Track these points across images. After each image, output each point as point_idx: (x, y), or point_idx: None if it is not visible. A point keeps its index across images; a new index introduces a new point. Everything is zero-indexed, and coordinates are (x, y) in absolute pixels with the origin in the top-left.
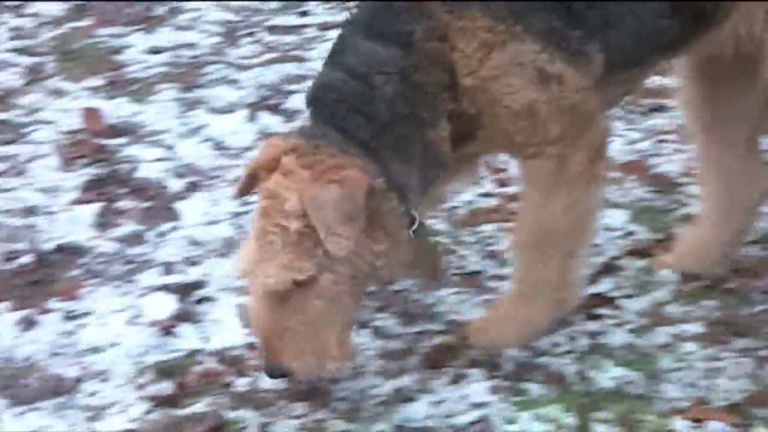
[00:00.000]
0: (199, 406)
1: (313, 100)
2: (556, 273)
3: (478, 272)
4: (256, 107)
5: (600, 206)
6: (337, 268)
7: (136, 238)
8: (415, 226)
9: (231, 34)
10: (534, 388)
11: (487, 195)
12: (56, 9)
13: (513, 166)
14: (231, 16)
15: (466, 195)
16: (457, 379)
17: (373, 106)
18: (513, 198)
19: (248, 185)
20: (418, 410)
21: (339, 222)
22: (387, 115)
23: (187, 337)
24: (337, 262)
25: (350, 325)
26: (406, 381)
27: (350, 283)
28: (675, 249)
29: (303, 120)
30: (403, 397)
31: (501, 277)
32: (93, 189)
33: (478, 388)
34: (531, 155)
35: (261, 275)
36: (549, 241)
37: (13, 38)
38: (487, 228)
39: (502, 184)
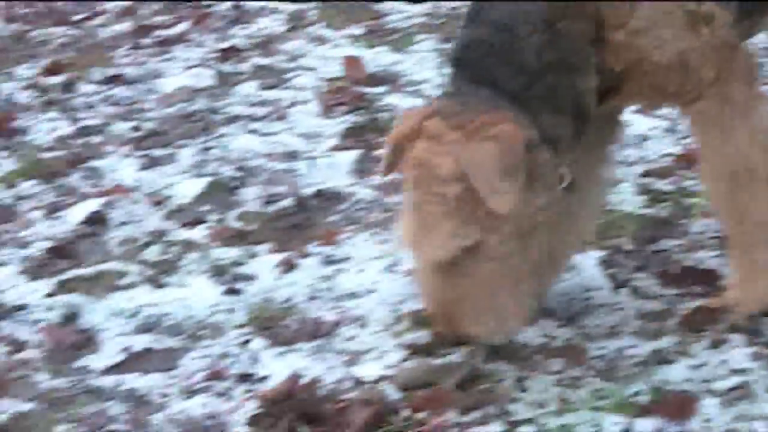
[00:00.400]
0: (455, 357)
1: (457, 61)
2: None
3: None
4: None
5: None
6: (501, 226)
7: (393, 187)
8: (566, 183)
9: None
10: None
11: None
12: None
13: None
14: None
15: None
16: (717, 344)
17: (521, 56)
18: None
19: (394, 159)
20: (676, 373)
21: (499, 179)
22: (536, 63)
23: None
24: (501, 220)
25: (524, 282)
26: (664, 343)
27: (516, 239)
28: None
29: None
30: (661, 358)
31: None
32: (352, 136)
33: (738, 353)
34: (690, 101)
35: (427, 247)
36: (750, 178)
37: None
38: None
39: None
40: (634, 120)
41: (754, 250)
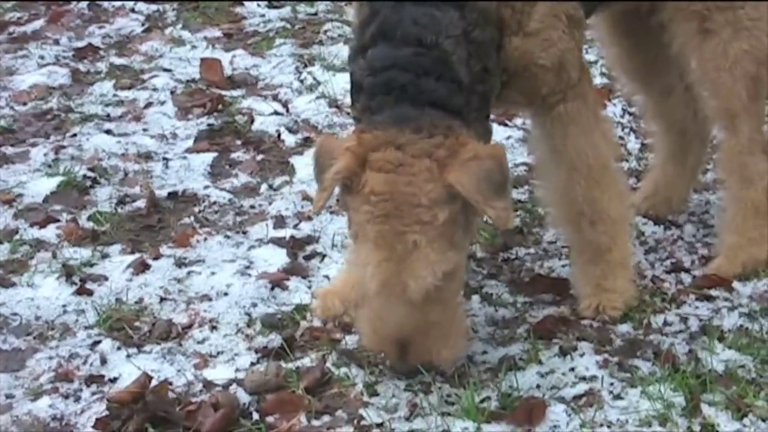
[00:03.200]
0: (306, 361)
1: (383, 86)
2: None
3: None
4: None
5: None
6: (465, 246)
7: (249, 190)
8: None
9: None
10: (643, 366)
11: None
12: None
13: (631, 141)
14: None
15: None
16: (565, 351)
17: (455, 72)
18: (627, 173)
19: (328, 196)
20: (525, 379)
21: (498, 196)
22: (467, 77)
23: (297, 292)
24: (466, 240)
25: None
26: (514, 349)
27: (462, 251)
28: (638, 194)
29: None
30: (511, 365)
31: None
32: (208, 138)
33: (587, 361)
34: (555, 103)
35: (411, 280)
36: (603, 173)
37: None
38: None
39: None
40: None
41: (613, 248)
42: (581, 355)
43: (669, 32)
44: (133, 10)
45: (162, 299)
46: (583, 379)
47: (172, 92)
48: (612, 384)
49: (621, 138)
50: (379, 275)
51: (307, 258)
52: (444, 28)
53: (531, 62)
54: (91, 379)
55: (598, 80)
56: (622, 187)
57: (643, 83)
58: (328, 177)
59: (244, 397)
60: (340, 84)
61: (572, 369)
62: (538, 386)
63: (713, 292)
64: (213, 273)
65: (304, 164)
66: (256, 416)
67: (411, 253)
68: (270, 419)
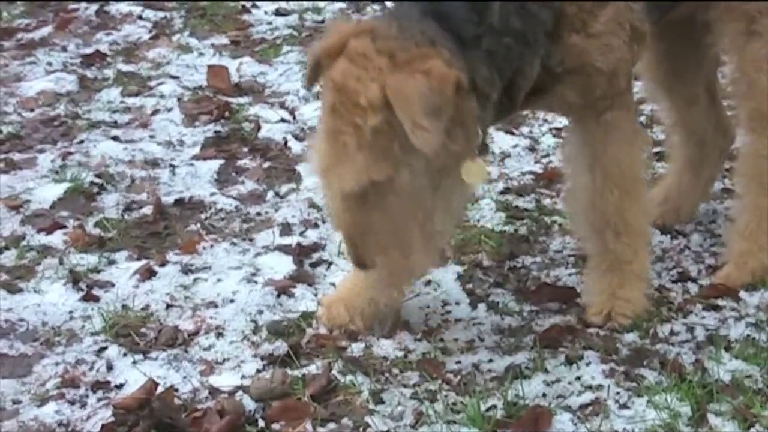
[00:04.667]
0: (312, 368)
1: None
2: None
3: None
4: None
5: None
6: (413, 163)
7: (255, 197)
8: (479, 142)
9: (356, 1)
10: (650, 375)
11: None
12: None
13: None
14: None
15: None
16: (572, 360)
17: (487, 8)
18: None
19: (314, 74)
20: (531, 388)
21: (426, 116)
22: (499, 22)
23: (303, 299)
24: (414, 157)
25: (432, 220)
26: (520, 358)
27: (427, 178)
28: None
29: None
30: (517, 373)
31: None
32: (215, 145)
33: (593, 370)
34: (604, 109)
35: (337, 178)
36: (635, 184)
37: None
38: None
39: None
40: (496, 138)
41: (634, 260)
42: (587, 364)
43: (714, 31)
44: (140, 17)
45: (168, 306)
46: (590, 388)
47: (179, 99)
48: (618, 393)
49: None
50: (319, 166)
51: (314, 265)
52: None
53: (588, 62)
54: (98, 385)
55: None
56: (648, 202)
57: (669, 90)
58: (312, 49)
59: (249, 404)
60: None
61: (578, 378)
62: (544, 395)
63: (720, 302)
64: (219, 280)
65: (310, 171)
66: (261, 423)
67: (341, 154)
68: (275, 426)
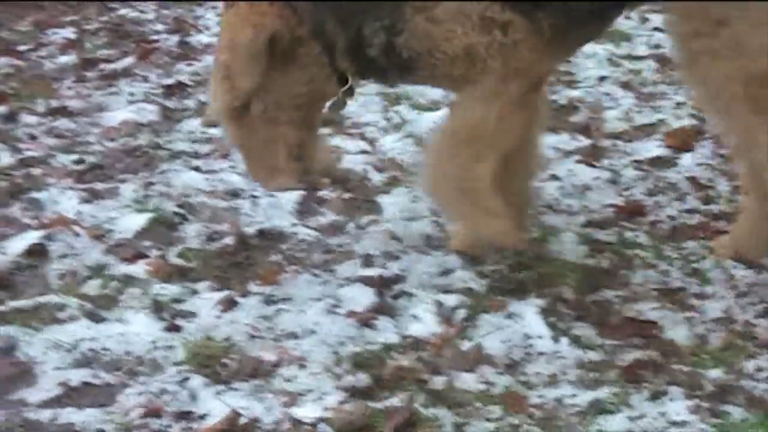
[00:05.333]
0: (394, 401)
1: None
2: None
3: (680, 289)
4: None
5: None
6: (263, 97)
7: (336, 228)
8: (346, 87)
9: None
10: (735, 412)
11: (690, 211)
12: None
13: (720, 184)
14: None
15: (669, 210)
16: (656, 396)
17: None
18: (717, 216)
19: None
20: (615, 423)
21: (244, 61)
22: None
23: (384, 331)
24: (262, 91)
25: (300, 147)
26: (603, 393)
27: (282, 111)
28: (729, 236)
29: None
30: (600, 408)
31: (703, 296)
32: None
33: (677, 406)
34: (472, 81)
35: (210, 101)
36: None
37: None
38: (691, 245)
39: (707, 201)
40: (577, 170)
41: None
42: (671, 400)
43: None
44: None
45: (250, 336)
46: (674, 424)
47: None
48: (703, 430)
49: (710, 180)
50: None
51: (395, 297)
52: None
53: (433, 48)
54: (181, 416)
55: (686, 122)
56: None
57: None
58: None
59: None
60: (426, 123)
61: (663, 414)
62: (628, 431)
63: None
64: (301, 311)
65: (390, 203)
66: None
67: (214, 81)
68: None
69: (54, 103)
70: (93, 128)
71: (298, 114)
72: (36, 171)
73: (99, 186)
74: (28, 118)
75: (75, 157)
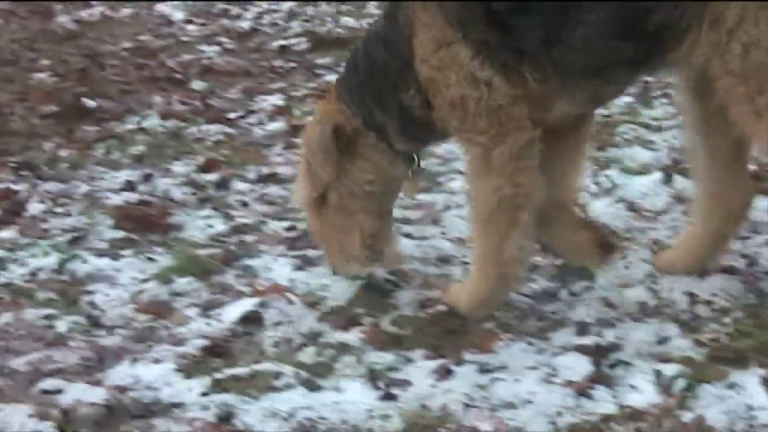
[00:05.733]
0: None
1: None
2: (493, 249)
3: None
4: (670, 170)
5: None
6: (338, 187)
7: (549, 295)
8: (414, 166)
9: (644, 94)
10: None
11: None
12: None
13: None
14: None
15: None
16: None
17: (359, 62)
18: None
19: None
20: None
21: (317, 154)
22: (367, 68)
23: (602, 401)
24: (337, 182)
25: (374, 236)
26: None
27: (356, 200)
28: (672, 249)
29: None
30: None
31: None
32: None
33: None
34: (464, 140)
35: (294, 192)
36: (479, 219)
37: None
38: None
39: None
40: None
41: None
42: None
43: None
44: None
45: (466, 406)
46: None
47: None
48: None
49: None
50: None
51: (611, 366)
52: (373, 34)
53: (437, 92)
54: None
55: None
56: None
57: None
58: None
59: None
60: (637, 187)
61: None
62: None
63: None
64: (516, 380)
65: (605, 270)
66: None
67: (298, 174)
68: None
69: (264, 170)
70: None
71: (372, 203)
72: (249, 238)
73: (311, 253)
74: (239, 185)
75: (286, 224)
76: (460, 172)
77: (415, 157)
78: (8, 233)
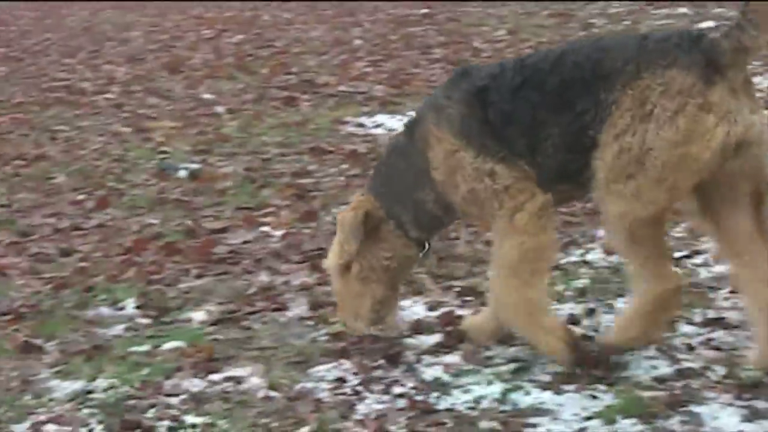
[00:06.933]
0: None
1: None
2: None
3: None
4: None
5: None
6: (360, 260)
7: None
8: (425, 251)
9: None
10: None
11: None
12: None
13: None
14: None
15: None
16: None
17: (383, 168)
18: None
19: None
20: None
21: (347, 235)
22: (386, 171)
23: None
24: (359, 257)
25: (382, 303)
26: None
27: (373, 272)
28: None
29: None
30: None
31: None
32: None
33: None
34: (488, 220)
35: (325, 259)
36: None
37: None
38: None
39: None
40: None
41: None
42: None
43: None
44: None
45: None
46: None
47: None
48: None
49: None
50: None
51: None
52: (395, 142)
53: (452, 194)
54: None
55: None
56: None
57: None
58: None
59: None
60: None
61: None
62: None
63: None
64: None
65: None
66: None
67: (332, 245)
68: None
69: (710, 314)
70: (750, 342)
71: (387, 276)
72: (694, 383)
73: (760, 405)
74: (685, 328)
75: (733, 370)
76: None
77: (426, 244)
78: (452, 358)
